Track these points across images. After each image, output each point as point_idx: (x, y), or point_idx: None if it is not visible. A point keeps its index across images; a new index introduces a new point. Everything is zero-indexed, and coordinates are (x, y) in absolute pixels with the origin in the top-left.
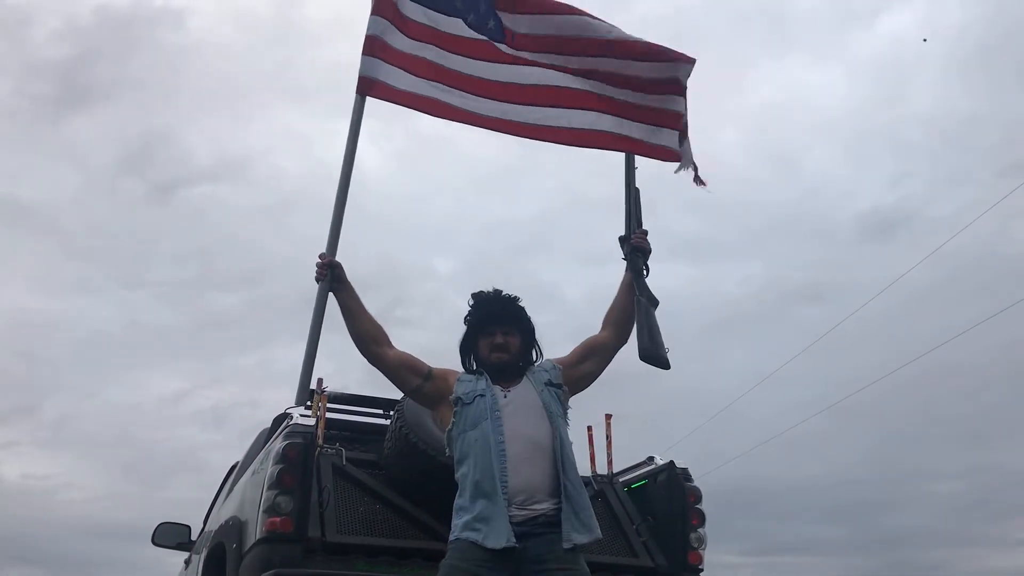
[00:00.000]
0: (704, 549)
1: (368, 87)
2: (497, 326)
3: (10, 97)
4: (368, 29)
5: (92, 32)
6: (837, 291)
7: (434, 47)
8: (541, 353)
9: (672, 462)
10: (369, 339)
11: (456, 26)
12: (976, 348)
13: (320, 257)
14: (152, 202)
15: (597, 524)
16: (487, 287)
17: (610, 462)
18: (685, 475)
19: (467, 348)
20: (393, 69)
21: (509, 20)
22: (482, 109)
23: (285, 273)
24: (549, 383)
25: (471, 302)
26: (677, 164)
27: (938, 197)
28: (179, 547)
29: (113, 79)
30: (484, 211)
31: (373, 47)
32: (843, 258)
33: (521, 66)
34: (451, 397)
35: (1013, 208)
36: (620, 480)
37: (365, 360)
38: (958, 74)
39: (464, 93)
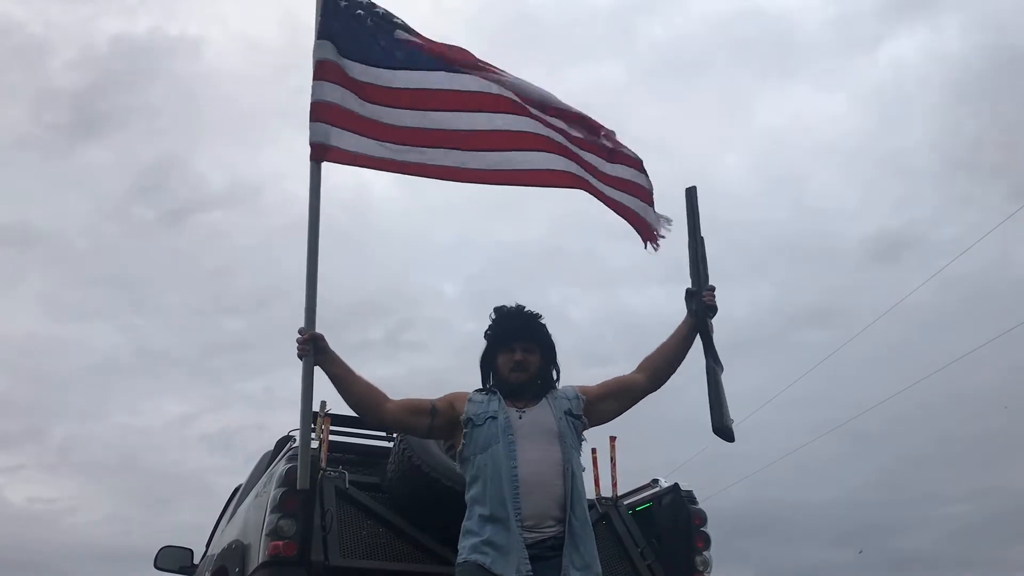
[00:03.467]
0: (709, 572)
1: (322, 153)
2: (517, 342)
3: (25, 125)
4: (312, 96)
5: (108, 61)
6: (844, 314)
7: (381, 106)
8: (559, 374)
9: (677, 484)
10: (367, 405)
11: (401, 78)
12: (984, 369)
13: (300, 333)
14: (163, 228)
15: (597, 561)
16: (508, 303)
17: (615, 484)
18: (690, 497)
19: (487, 363)
20: (344, 133)
21: (457, 80)
22: (444, 160)
23: (294, 298)
24: (569, 412)
25: (492, 316)
26: (649, 242)
27: (944, 220)
28: (181, 571)
29: (128, 107)
30: (491, 234)
31: (320, 112)
32: (849, 281)
33: (486, 112)
34: (461, 418)
35: (1018, 230)
36: (625, 503)
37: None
38: (961, 99)
39: (422, 148)
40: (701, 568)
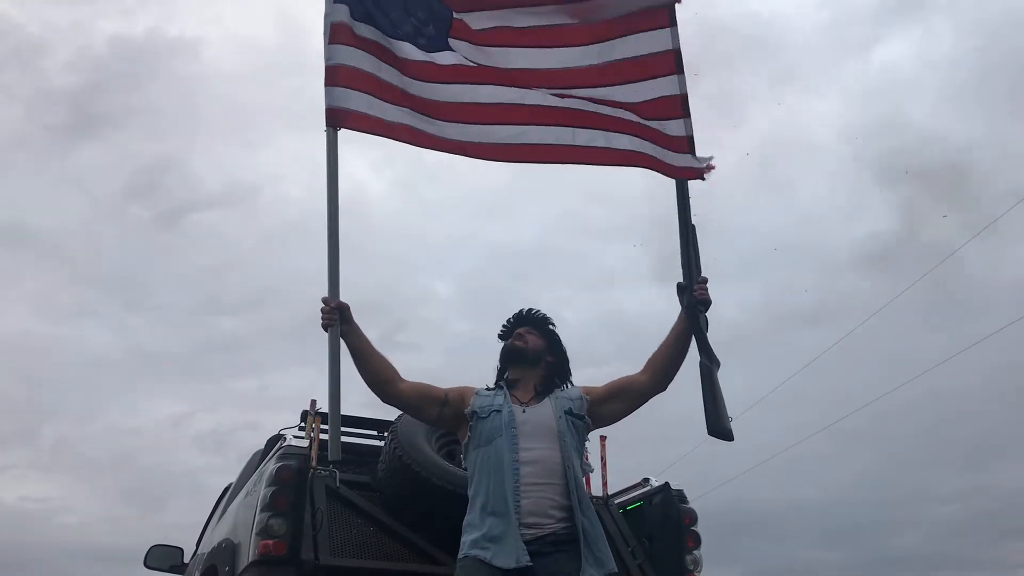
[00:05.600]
0: (700, 571)
1: (340, 118)
2: (518, 327)
3: (22, 125)
4: (328, 60)
5: (105, 62)
6: (834, 315)
7: (395, 70)
8: (569, 373)
9: (667, 483)
10: (383, 380)
11: (408, 51)
12: (973, 369)
13: (324, 302)
14: (159, 228)
15: (611, 557)
16: (510, 305)
17: (605, 484)
18: (680, 497)
19: (501, 360)
20: (362, 95)
21: (470, 23)
22: (459, 135)
23: (287, 298)
24: (570, 412)
25: (503, 326)
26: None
27: (936, 223)
28: (172, 570)
29: (125, 107)
30: (484, 235)
31: (336, 76)
32: (841, 283)
33: (493, 85)
34: (466, 411)
35: (1008, 231)
36: (615, 502)
37: (379, 399)
38: (953, 102)
39: (432, 119)
40: (691, 567)
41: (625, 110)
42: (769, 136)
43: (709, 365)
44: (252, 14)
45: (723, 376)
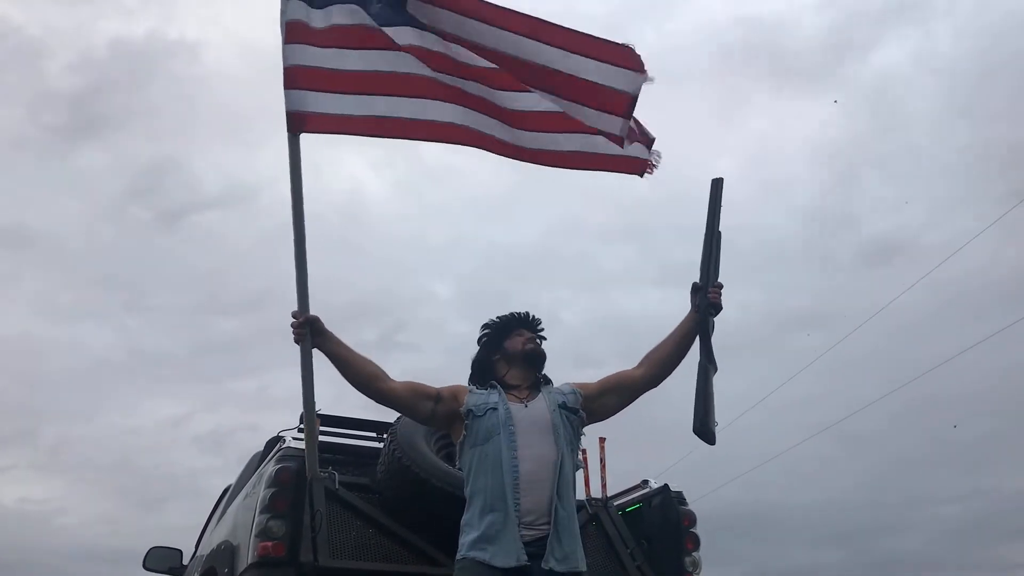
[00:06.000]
0: (699, 573)
1: (299, 123)
2: (525, 328)
3: (22, 127)
4: (284, 61)
5: (106, 64)
6: (835, 317)
7: (351, 50)
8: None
9: (667, 485)
10: (369, 380)
11: (361, 16)
12: (974, 371)
13: (293, 316)
14: (158, 229)
15: (582, 555)
16: (488, 310)
17: (604, 485)
18: (680, 498)
19: (484, 363)
20: (319, 95)
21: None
22: (425, 114)
23: (287, 298)
24: (564, 406)
25: (491, 322)
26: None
27: (937, 224)
28: (170, 572)
29: (125, 109)
30: (484, 236)
31: (293, 78)
32: (842, 285)
33: (448, 71)
34: (461, 410)
35: (1009, 231)
36: (615, 504)
37: (371, 400)
38: (952, 105)
39: (399, 97)
40: (691, 569)
41: (571, 102)
42: (767, 136)
43: (708, 367)
44: (252, 16)
45: (725, 377)
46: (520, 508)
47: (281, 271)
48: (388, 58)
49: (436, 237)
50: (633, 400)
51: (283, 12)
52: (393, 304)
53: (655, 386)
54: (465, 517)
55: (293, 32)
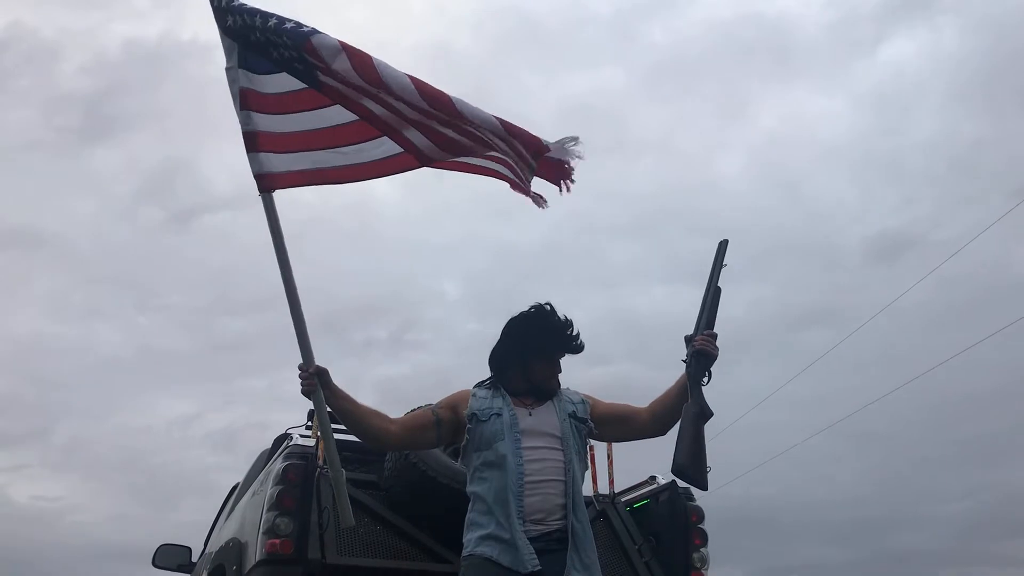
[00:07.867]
0: (707, 569)
1: (270, 183)
2: (561, 353)
3: (36, 129)
4: (242, 126)
5: (119, 66)
6: (843, 314)
7: (295, 113)
8: None
9: (674, 481)
10: (376, 437)
11: (293, 82)
12: (981, 367)
13: (300, 369)
14: (170, 229)
15: (597, 563)
16: (496, 309)
17: (612, 482)
18: (687, 495)
19: (512, 361)
20: (283, 155)
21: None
22: (373, 155)
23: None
24: (574, 415)
25: (535, 316)
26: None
27: (945, 220)
28: (180, 569)
29: (137, 111)
30: (492, 235)
31: (256, 142)
32: (851, 281)
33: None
34: (466, 413)
35: (1017, 228)
36: (622, 500)
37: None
38: (961, 101)
39: (347, 147)
40: (699, 565)
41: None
42: (776, 133)
43: (694, 412)
44: None
45: (731, 374)
46: (524, 510)
47: (293, 270)
48: (327, 115)
49: (444, 236)
50: (633, 439)
51: (232, 81)
52: (402, 304)
53: (660, 434)
54: (470, 515)
55: (245, 100)
